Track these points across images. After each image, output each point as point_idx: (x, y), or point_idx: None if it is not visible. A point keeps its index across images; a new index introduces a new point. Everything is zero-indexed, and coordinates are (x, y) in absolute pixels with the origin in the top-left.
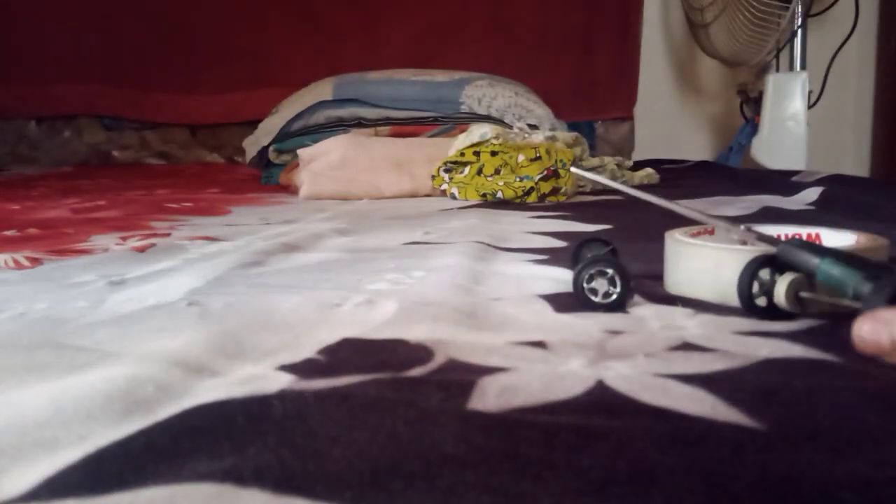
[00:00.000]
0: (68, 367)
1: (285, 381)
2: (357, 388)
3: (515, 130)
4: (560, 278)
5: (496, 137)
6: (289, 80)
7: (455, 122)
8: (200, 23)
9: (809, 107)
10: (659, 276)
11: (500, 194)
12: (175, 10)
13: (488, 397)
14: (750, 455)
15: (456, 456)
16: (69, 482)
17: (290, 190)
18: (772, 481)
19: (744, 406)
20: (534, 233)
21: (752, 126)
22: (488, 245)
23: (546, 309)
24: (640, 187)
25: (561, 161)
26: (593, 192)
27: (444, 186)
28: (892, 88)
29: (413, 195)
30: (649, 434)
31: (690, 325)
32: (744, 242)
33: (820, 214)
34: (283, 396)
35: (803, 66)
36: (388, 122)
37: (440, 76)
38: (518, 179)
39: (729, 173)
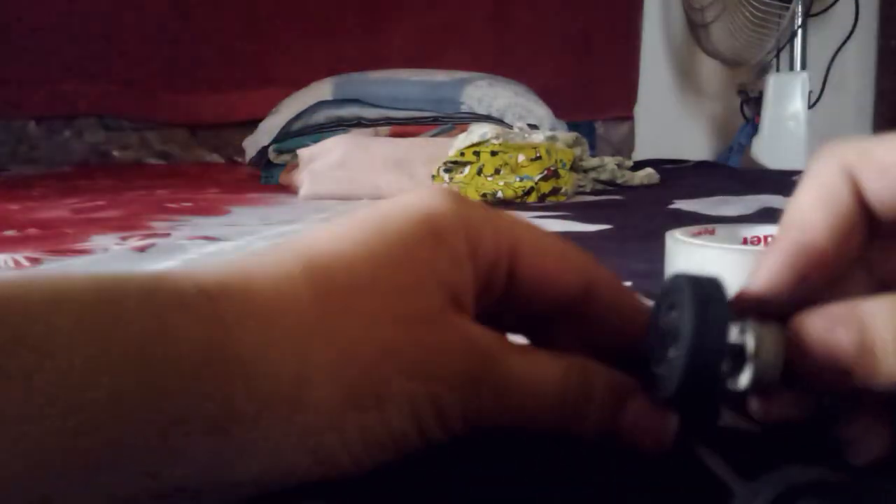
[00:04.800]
0: None
1: None
2: None
3: (515, 130)
4: None
5: (496, 137)
6: (289, 80)
7: (455, 122)
8: (200, 22)
9: (809, 107)
10: (659, 276)
11: (500, 194)
12: (175, 10)
13: None
14: (750, 457)
15: (455, 459)
16: None
17: (291, 190)
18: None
19: (743, 408)
20: None
21: (753, 126)
22: None
23: None
24: (641, 187)
25: (561, 161)
26: (593, 193)
27: (444, 186)
28: (892, 88)
29: None
30: None
31: None
32: (744, 242)
33: None
34: None
35: (803, 66)
36: (388, 122)
37: (440, 76)
38: (518, 179)
39: (729, 173)
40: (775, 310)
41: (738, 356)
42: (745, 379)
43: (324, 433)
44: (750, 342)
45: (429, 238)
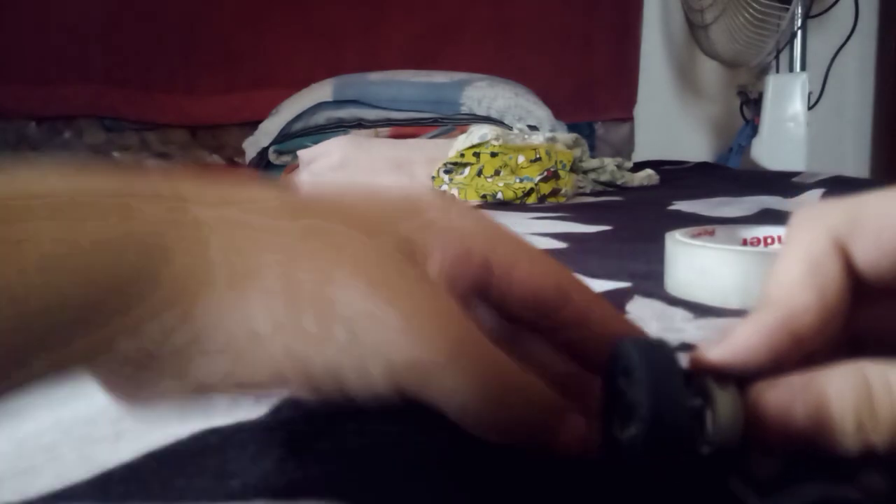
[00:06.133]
0: None
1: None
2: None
3: (515, 132)
4: None
5: (496, 139)
6: (289, 81)
7: (455, 123)
8: (200, 23)
9: (809, 108)
10: (659, 277)
11: (500, 195)
12: (175, 10)
13: None
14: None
15: (454, 468)
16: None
17: None
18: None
19: None
20: (534, 234)
21: (752, 127)
22: None
23: None
24: (640, 188)
25: (561, 162)
26: (593, 194)
27: (444, 187)
28: (892, 89)
29: None
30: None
31: (690, 327)
32: (744, 243)
33: None
34: (285, 405)
35: (803, 68)
36: (388, 123)
37: (440, 77)
38: (518, 181)
39: (729, 174)
40: (737, 374)
41: (697, 418)
42: (705, 448)
43: (267, 329)
44: (709, 414)
45: (406, 206)
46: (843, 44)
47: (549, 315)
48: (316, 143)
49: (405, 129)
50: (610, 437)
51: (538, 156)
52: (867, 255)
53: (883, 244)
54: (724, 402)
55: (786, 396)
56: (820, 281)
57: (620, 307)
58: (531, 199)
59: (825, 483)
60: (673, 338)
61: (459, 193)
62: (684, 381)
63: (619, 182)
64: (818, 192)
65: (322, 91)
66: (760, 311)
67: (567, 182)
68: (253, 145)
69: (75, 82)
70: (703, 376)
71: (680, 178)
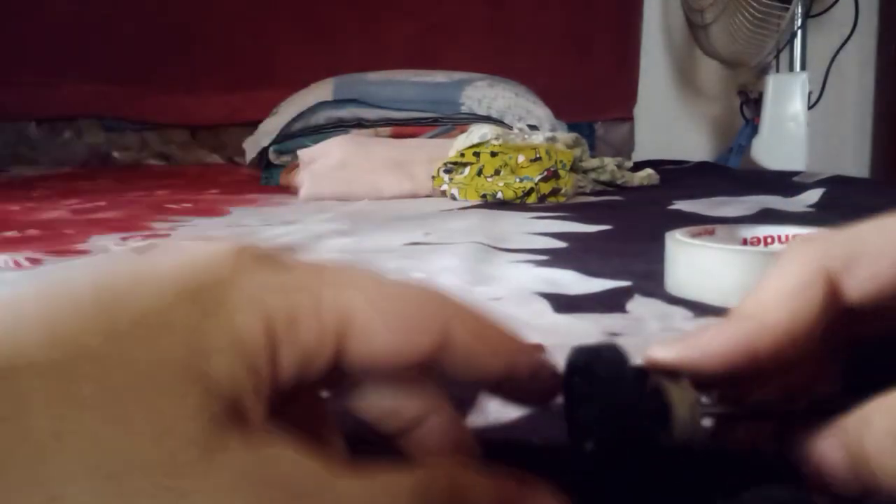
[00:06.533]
0: None
1: None
2: None
3: (515, 131)
4: (560, 280)
5: (496, 138)
6: (289, 81)
7: (455, 122)
8: (201, 23)
9: (809, 107)
10: (659, 277)
11: (500, 195)
12: (175, 10)
13: (486, 409)
14: (749, 460)
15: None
16: None
17: (291, 191)
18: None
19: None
20: (534, 233)
21: (753, 127)
22: (488, 246)
23: (546, 309)
24: (641, 187)
25: (561, 162)
26: (593, 193)
27: (445, 187)
28: (892, 89)
29: (413, 196)
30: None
31: (690, 327)
32: (744, 243)
33: (819, 216)
34: None
35: (803, 67)
36: (388, 122)
37: (440, 77)
38: (518, 180)
39: (729, 174)
40: (689, 377)
41: (654, 416)
42: (668, 440)
43: None
44: (669, 412)
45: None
46: (843, 44)
47: (425, 369)
48: (316, 142)
49: (405, 128)
50: (574, 444)
51: (538, 155)
52: (862, 288)
53: (878, 279)
54: (679, 398)
55: (828, 448)
56: (796, 305)
57: (620, 307)
58: (531, 199)
59: (792, 485)
60: (672, 338)
61: (459, 193)
62: (640, 380)
63: (619, 182)
64: (818, 191)
65: (322, 91)
66: (728, 321)
67: (567, 182)
68: (253, 145)
69: (75, 82)
70: (658, 375)
71: (680, 177)
